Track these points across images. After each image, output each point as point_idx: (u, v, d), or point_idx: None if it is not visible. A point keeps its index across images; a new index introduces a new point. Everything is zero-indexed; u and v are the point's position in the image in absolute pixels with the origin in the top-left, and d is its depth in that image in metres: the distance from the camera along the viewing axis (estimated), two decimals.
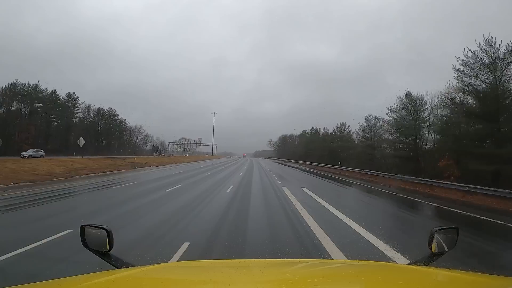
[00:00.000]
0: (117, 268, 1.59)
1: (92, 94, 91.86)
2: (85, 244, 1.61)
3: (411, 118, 26.62)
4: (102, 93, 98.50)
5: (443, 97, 22.87)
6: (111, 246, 1.59)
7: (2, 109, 48.69)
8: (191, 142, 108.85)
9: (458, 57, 19.46)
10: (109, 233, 1.59)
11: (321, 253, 5.29)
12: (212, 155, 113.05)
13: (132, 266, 1.63)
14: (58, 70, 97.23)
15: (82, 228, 1.63)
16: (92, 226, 1.67)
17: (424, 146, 26.60)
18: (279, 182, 20.66)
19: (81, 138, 34.46)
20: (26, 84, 51.02)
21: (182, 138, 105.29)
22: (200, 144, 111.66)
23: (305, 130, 71.59)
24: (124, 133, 72.44)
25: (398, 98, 27.59)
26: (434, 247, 1.64)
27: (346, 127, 52.08)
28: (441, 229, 1.70)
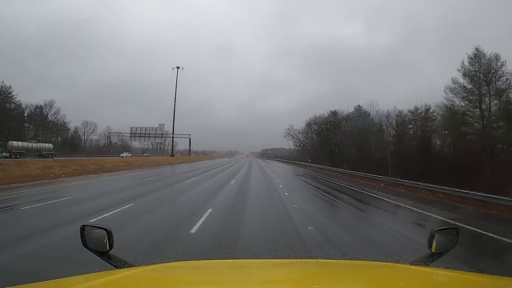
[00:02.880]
0: (117, 268, 1.59)
1: (83, 89, 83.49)
2: (85, 244, 1.61)
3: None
4: (93, 87, 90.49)
5: None
6: (111, 246, 1.59)
7: None
8: (147, 132, 61.28)
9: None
10: (109, 233, 1.59)
11: None
12: (172, 155, 66.01)
13: (132, 266, 1.63)
14: (44, 61, 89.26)
15: (82, 228, 1.63)
16: (92, 226, 1.67)
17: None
18: None
19: None
20: None
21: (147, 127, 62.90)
22: (161, 136, 64.14)
23: (359, 105, 36.07)
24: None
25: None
26: (434, 247, 1.64)
27: None
28: (441, 229, 1.70)
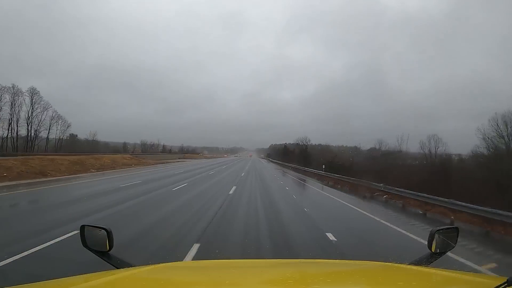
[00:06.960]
0: (117, 268, 1.59)
1: (65, 76, 73.82)
2: (85, 244, 1.61)
3: None
4: (77, 74, 79.26)
5: None
6: (111, 246, 1.59)
7: None
8: None
9: None
10: (109, 233, 1.59)
11: None
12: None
13: (132, 266, 1.63)
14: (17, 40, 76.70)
15: (82, 228, 1.63)
16: (92, 226, 1.67)
17: None
18: None
19: None
20: None
21: None
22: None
23: None
24: None
25: None
26: (434, 247, 1.65)
27: None
28: (441, 229, 1.70)
